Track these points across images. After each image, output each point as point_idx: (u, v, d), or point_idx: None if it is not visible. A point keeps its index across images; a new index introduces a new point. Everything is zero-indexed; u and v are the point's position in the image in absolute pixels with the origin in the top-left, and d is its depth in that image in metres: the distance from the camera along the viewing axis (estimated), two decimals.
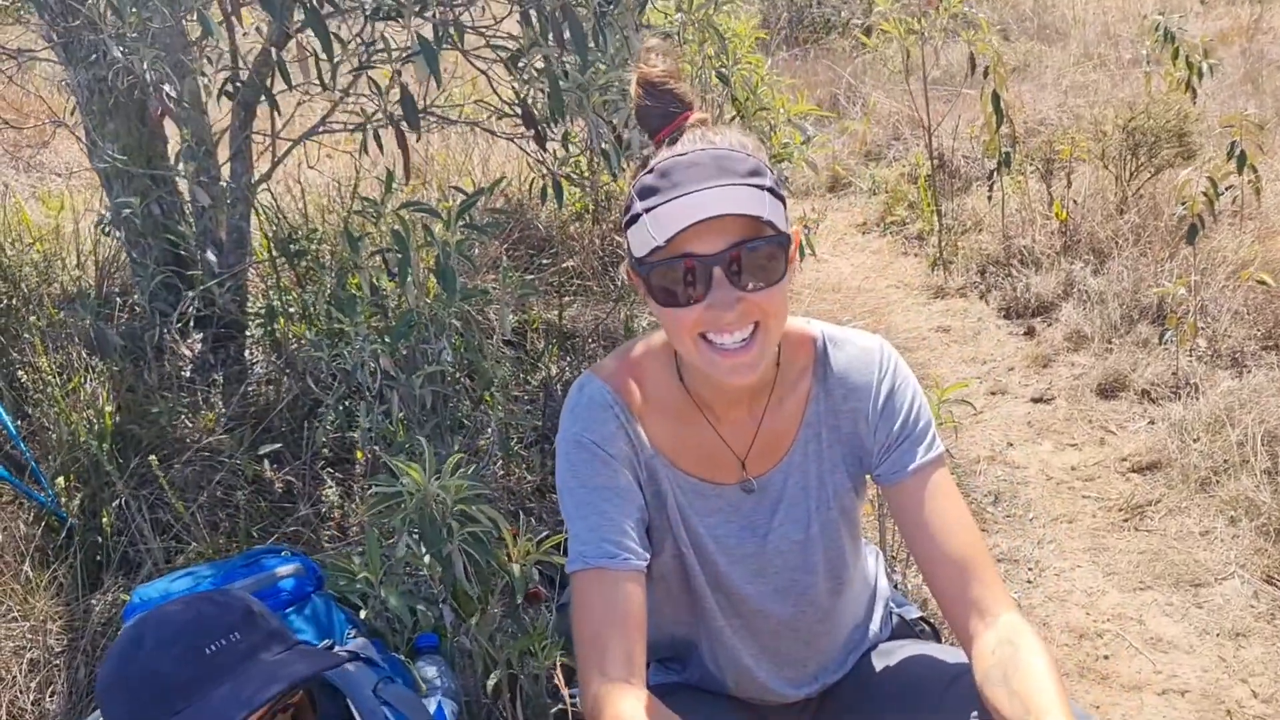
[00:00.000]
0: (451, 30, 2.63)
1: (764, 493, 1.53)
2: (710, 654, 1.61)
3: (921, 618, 1.77)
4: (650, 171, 1.36)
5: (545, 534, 1.87)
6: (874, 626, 1.70)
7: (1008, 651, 1.31)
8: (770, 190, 1.34)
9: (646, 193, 1.35)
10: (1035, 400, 3.45)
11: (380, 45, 2.54)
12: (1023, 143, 4.68)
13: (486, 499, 1.85)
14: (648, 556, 1.45)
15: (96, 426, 2.69)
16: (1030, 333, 3.86)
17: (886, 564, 1.93)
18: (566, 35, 2.41)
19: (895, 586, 1.98)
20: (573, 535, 1.44)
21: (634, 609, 1.39)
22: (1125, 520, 2.85)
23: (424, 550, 1.85)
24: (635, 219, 1.35)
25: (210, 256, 3.09)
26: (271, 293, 3.24)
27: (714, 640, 1.59)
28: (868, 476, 1.56)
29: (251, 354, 3.34)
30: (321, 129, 3.15)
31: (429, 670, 1.87)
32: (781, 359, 1.50)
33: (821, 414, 1.52)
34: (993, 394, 3.51)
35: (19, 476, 2.68)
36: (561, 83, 2.54)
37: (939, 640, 1.75)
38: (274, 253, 3.29)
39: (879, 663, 1.64)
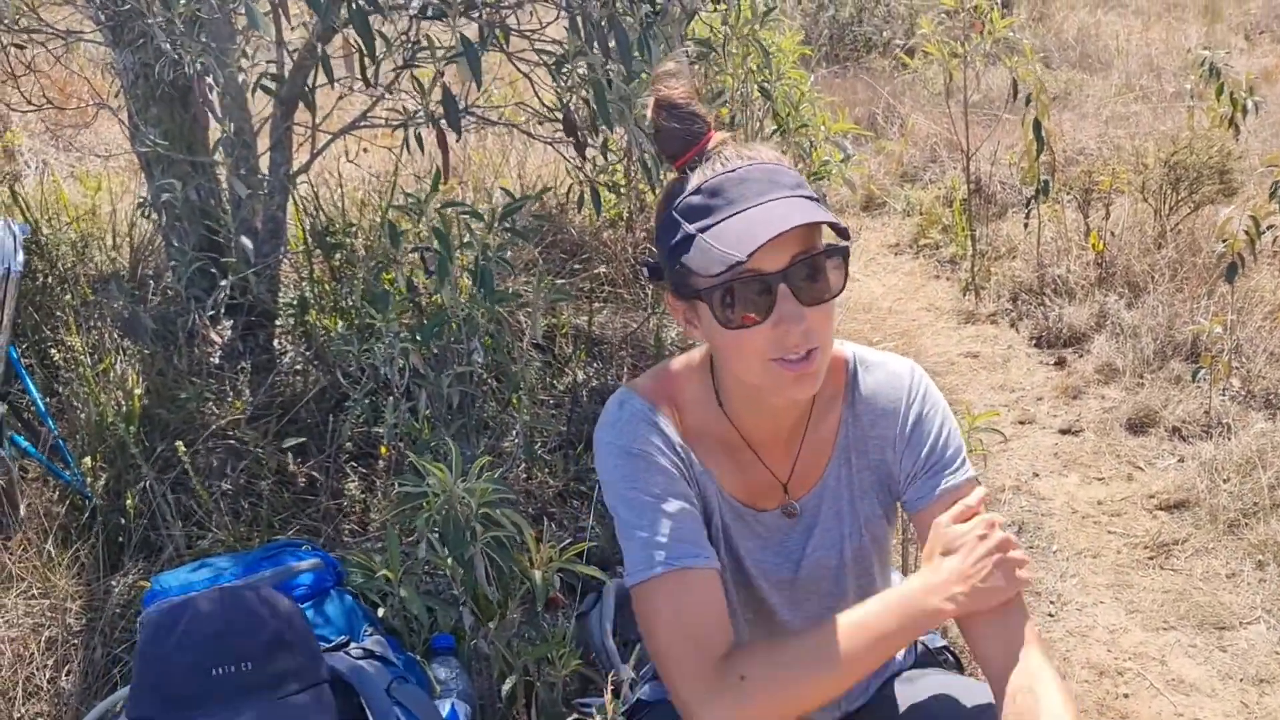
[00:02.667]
0: (497, 32, 2.64)
1: (799, 518, 1.51)
2: None
3: (944, 646, 1.75)
4: (696, 192, 1.33)
5: (569, 540, 1.86)
6: (899, 654, 1.69)
7: (1028, 702, 1.28)
8: (818, 201, 1.33)
9: (697, 214, 1.32)
10: (1063, 432, 3.42)
11: (425, 44, 2.54)
12: (1061, 171, 4.65)
13: (510, 503, 1.84)
14: (720, 559, 1.43)
15: (125, 408, 2.70)
16: (1061, 363, 3.83)
17: None
18: (612, 44, 2.41)
19: None
20: (640, 543, 1.39)
21: (718, 609, 1.37)
22: (1150, 558, 2.82)
23: (446, 552, 1.85)
24: (687, 242, 1.32)
25: (246, 244, 3.10)
26: (304, 284, 3.25)
27: None
28: (898, 504, 1.54)
29: (280, 344, 3.35)
30: (362, 124, 3.16)
31: (443, 672, 1.86)
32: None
33: (851, 439, 1.50)
34: (1020, 423, 3.48)
35: (46, 454, 2.69)
36: (605, 92, 2.54)
37: (961, 669, 1.73)
38: (309, 244, 3.30)
39: (901, 690, 1.62)
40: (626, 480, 1.43)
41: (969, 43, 4.38)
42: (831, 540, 1.52)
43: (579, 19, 2.54)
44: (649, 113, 1.39)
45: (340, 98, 3.29)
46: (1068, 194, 4.56)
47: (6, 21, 2.73)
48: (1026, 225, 4.40)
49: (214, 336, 3.30)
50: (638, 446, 1.44)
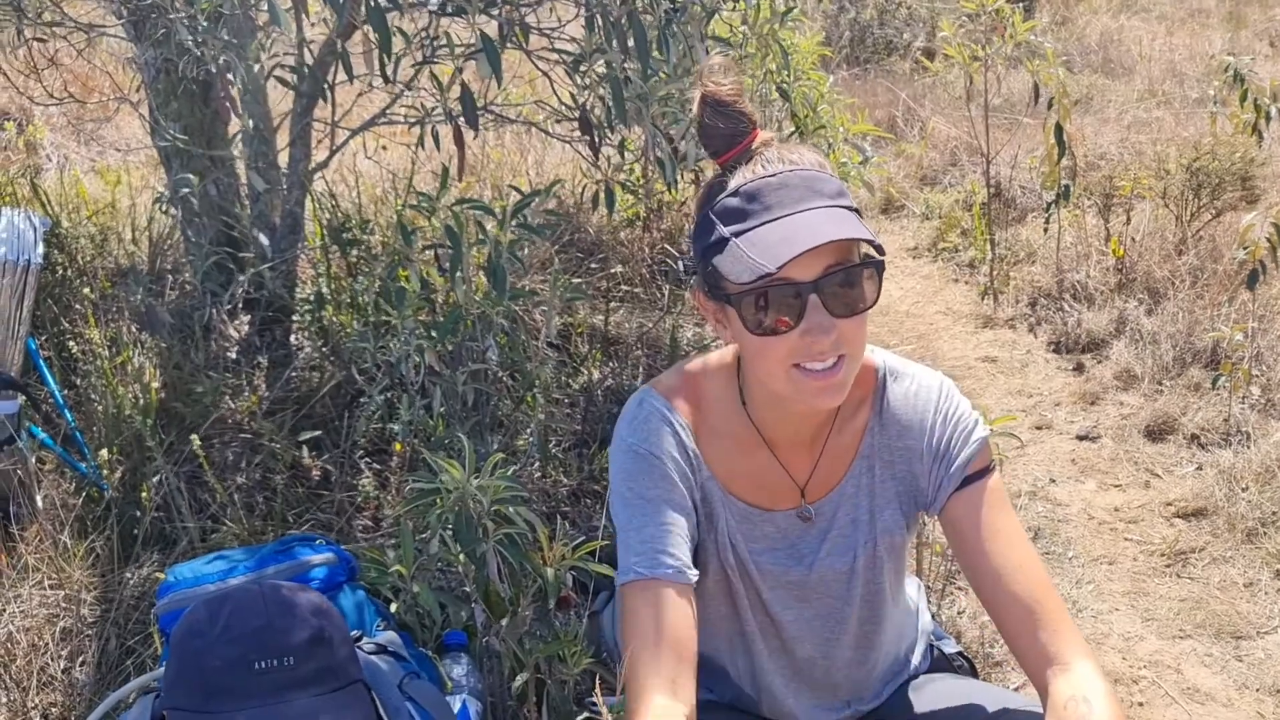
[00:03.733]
0: (516, 29, 2.63)
1: (814, 521, 1.51)
2: (747, 675, 1.59)
3: (959, 652, 1.74)
4: (734, 194, 1.33)
5: (581, 539, 1.86)
6: (914, 660, 1.68)
7: (1082, 710, 1.27)
8: (856, 212, 1.32)
9: (733, 217, 1.32)
10: (1081, 438, 3.39)
11: (444, 41, 2.54)
12: (1082, 176, 4.62)
13: (523, 500, 1.83)
14: (698, 573, 1.43)
15: (141, 401, 2.71)
16: (1079, 369, 3.80)
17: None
18: (630, 42, 2.40)
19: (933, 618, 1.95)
20: (625, 546, 1.42)
21: (686, 624, 1.37)
22: (1167, 566, 2.80)
23: (458, 548, 1.84)
24: (721, 244, 1.32)
25: (263, 240, 3.11)
26: (321, 280, 3.26)
27: (751, 661, 1.57)
28: (921, 515, 1.53)
29: (297, 340, 3.36)
30: (380, 120, 3.16)
31: (455, 668, 1.86)
32: None
33: (876, 448, 1.49)
34: (1038, 428, 3.46)
35: (63, 445, 2.70)
36: (622, 90, 2.53)
37: (976, 675, 1.72)
38: (326, 240, 3.30)
39: (915, 695, 1.62)
40: (626, 480, 1.45)
41: (990, 46, 4.36)
42: (845, 547, 1.51)
43: (597, 17, 2.53)
44: (694, 109, 1.39)
45: (359, 94, 3.30)
46: (1088, 199, 4.54)
47: (30, 15, 2.74)
48: (1046, 230, 4.37)
49: (231, 331, 3.31)
50: (645, 447, 1.45)
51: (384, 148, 4.10)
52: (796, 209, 1.28)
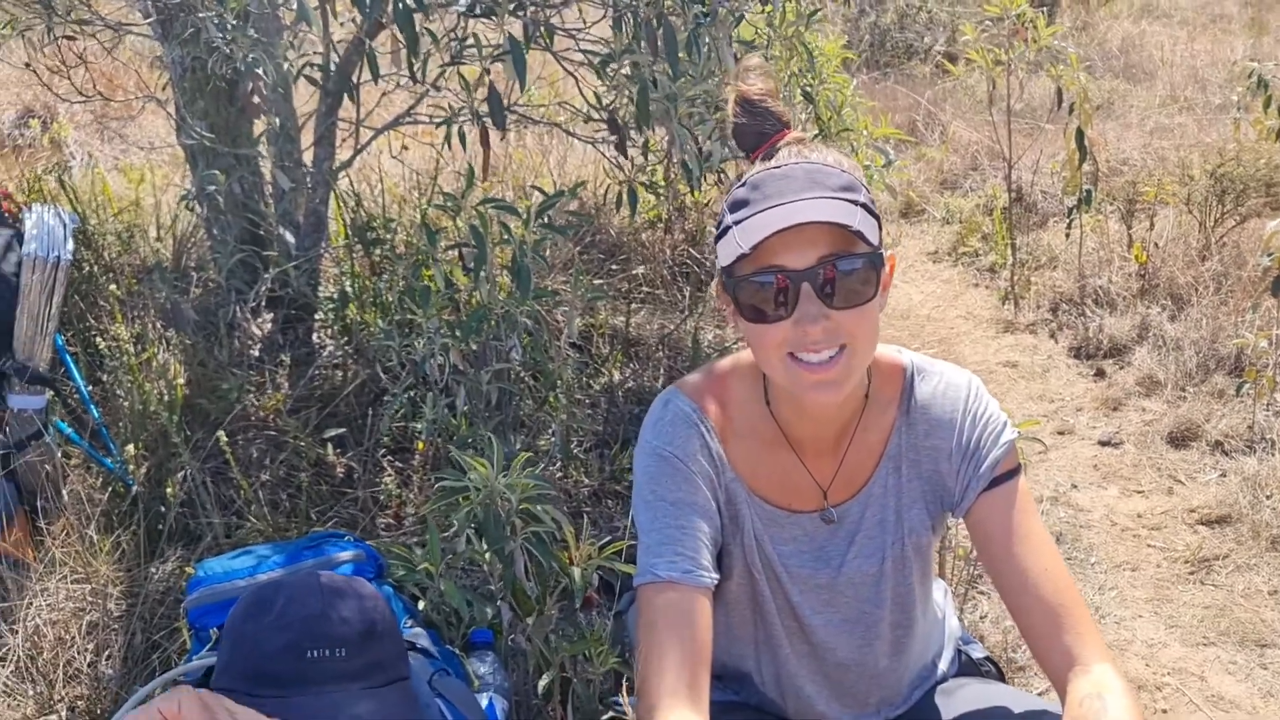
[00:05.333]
0: (542, 31, 2.64)
1: (840, 523, 1.50)
2: (772, 679, 1.58)
3: (986, 657, 1.73)
4: (743, 185, 1.36)
5: (607, 539, 1.86)
6: (942, 665, 1.67)
7: (1096, 706, 1.27)
8: (864, 207, 1.32)
9: (737, 205, 1.35)
10: (1103, 443, 3.38)
11: (471, 42, 2.55)
12: (1104, 182, 4.61)
13: (550, 499, 1.84)
14: (718, 577, 1.43)
15: (167, 398, 2.72)
16: (1101, 374, 3.79)
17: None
18: (660, 44, 2.40)
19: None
20: (645, 548, 1.42)
21: (702, 628, 1.37)
22: (1191, 573, 2.79)
23: (485, 546, 1.85)
24: (725, 232, 1.35)
25: (289, 238, 3.12)
26: (345, 278, 3.27)
27: (778, 665, 1.57)
28: (947, 515, 1.53)
29: (319, 338, 3.37)
30: (405, 120, 3.18)
31: (481, 666, 1.87)
32: (870, 388, 1.48)
33: (903, 447, 1.49)
34: (1059, 434, 3.45)
35: (89, 441, 2.72)
36: (650, 91, 2.54)
37: (1004, 680, 1.71)
38: (350, 239, 3.32)
39: (943, 700, 1.61)
40: (649, 482, 1.45)
41: (1012, 50, 4.35)
42: (873, 548, 1.51)
43: (625, 18, 2.54)
44: (729, 107, 1.42)
45: (384, 94, 3.31)
46: (1110, 204, 4.52)
47: (60, 13, 2.76)
48: (1068, 235, 4.36)
49: (254, 329, 3.33)
50: (670, 449, 1.45)
51: (405, 147, 4.12)
52: (793, 198, 1.30)
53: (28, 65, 3.04)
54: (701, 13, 2.34)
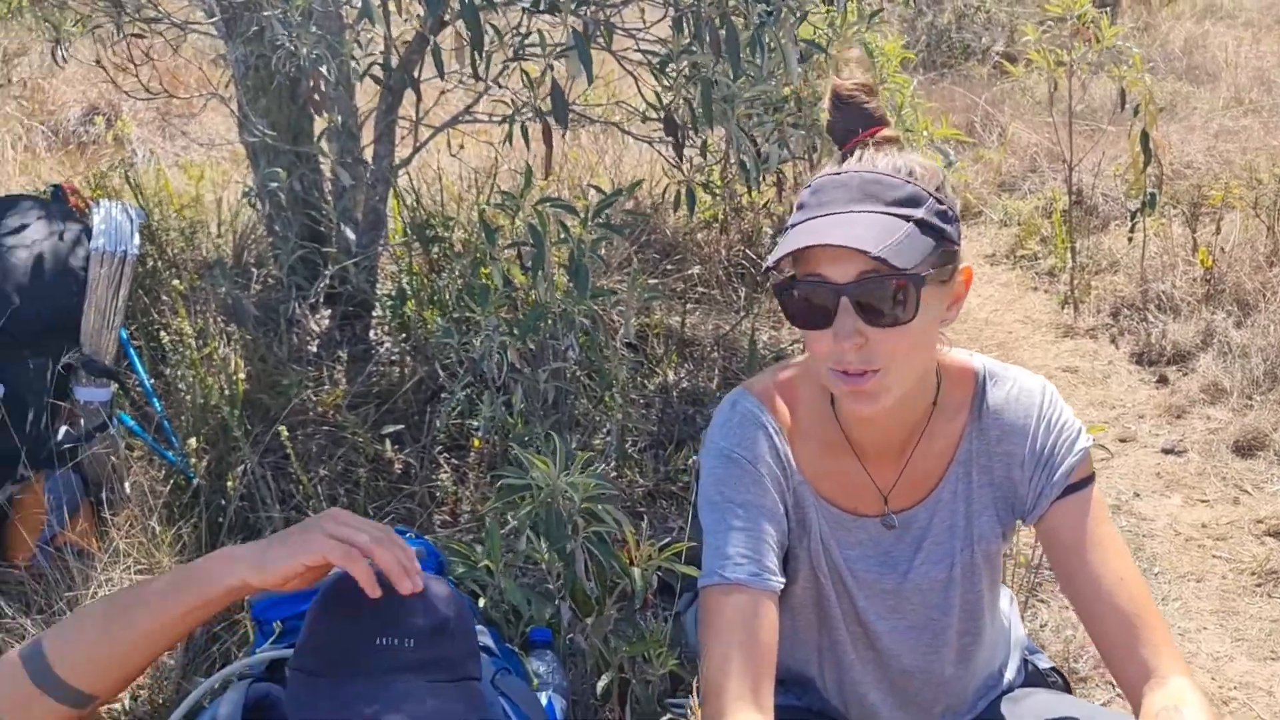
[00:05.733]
0: (601, 29, 2.64)
1: (907, 529, 1.48)
2: (835, 685, 1.57)
3: (1053, 668, 1.70)
4: (809, 188, 1.36)
5: (666, 540, 1.85)
6: (1008, 674, 1.65)
7: (1173, 718, 1.24)
8: (920, 223, 1.29)
9: (798, 209, 1.35)
10: (1166, 451, 3.32)
11: (534, 39, 2.55)
12: (1168, 185, 4.52)
13: (612, 499, 1.84)
14: (784, 581, 1.42)
15: (228, 392, 2.75)
16: (1163, 381, 3.72)
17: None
18: (721, 43, 2.39)
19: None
20: (711, 549, 1.41)
21: (767, 632, 1.36)
22: (1258, 585, 2.73)
23: (545, 545, 1.85)
24: (783, 232, 1.35)
25: (349, 235, 3.14)
26: (403, 276, 3.29)
27: (841, 672, 1.55)
28: (1018, 523, 1.50)
29: (377, 334, 3.39)
30: (465, 118, 3.19)
31: (540, 665, 1.86)
32: (940, 394, 1.46)
33: (974, 453, 1.47)
34: (1121, 441, 3.39)
35: (151, 434, 2.76)
36: (710, 91, 2.53)
37: (1070, 691, 1.68)
38: (409, 236, 3.34)
39: (1009, 710, 1.59)
40: (717, 484, 1.44)
41: (1074, 51, 4.28)
42: (941, 554, 1.49)
43: (686, 17, 2.53)
44: (825, 99, 1.42)
45: (443, 92, 3.33)
46: (1174, 208, 4.44)
47: (129, 11, 2.80)
48: (1131, 239, 4.29)
49: (312, 325, 3.36)
50: (738, 451, 1.44)
51: (463, 145, 4.14)
52: (840, 209, 1.29)
53: (97, 62, 3.09)
54: (765, 12, 2.32)
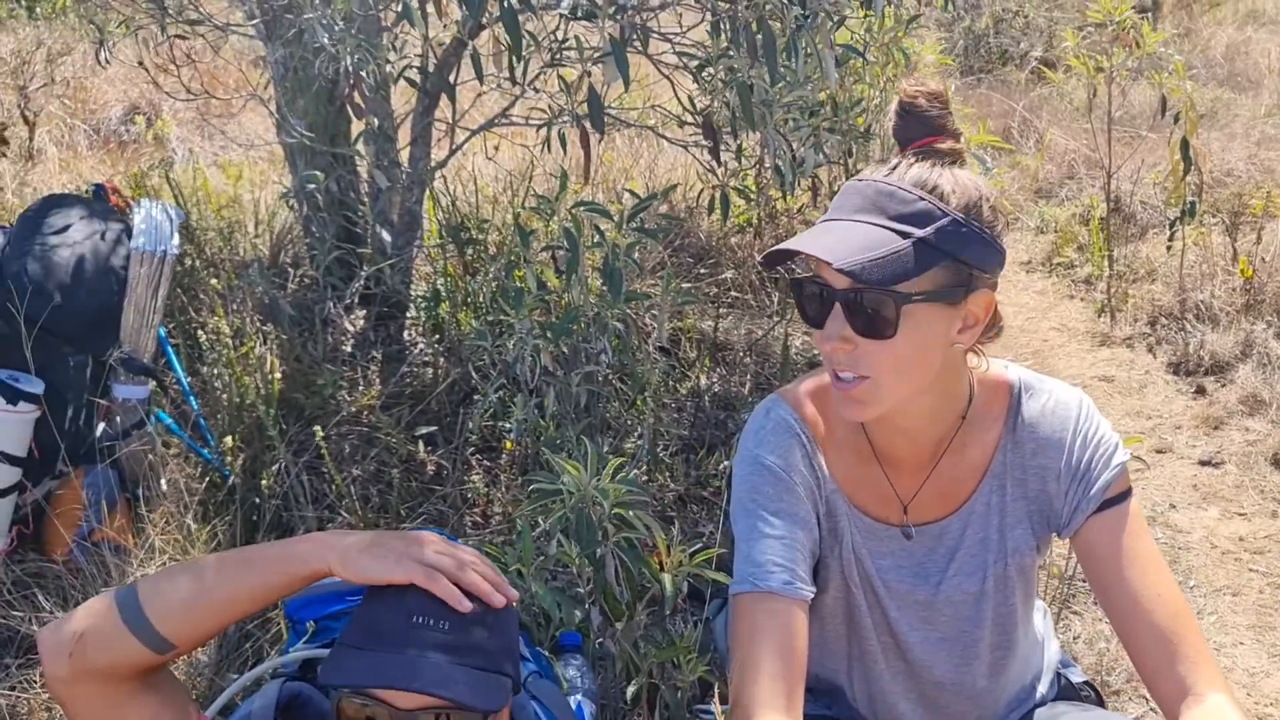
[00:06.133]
0: (637, 34, 2.64)
1: (940, 540, 1.47)
2: (865, 695, 1.56)
3: (1086, 681, 1.69)
4: (839, 191, 1.37)
5: (699, 545, 1.85)
6: (1041, 688, 1.63)
7: None
8: (921, 242, 1.27)
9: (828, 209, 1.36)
10: (1203, 463, 3.28)
11: (571, 44, 2.56)
12: (1208, 193, 4.47)
13: (643, 504, 1.83)
14: (815, 590, 1.41)
15: (264, 391, 2.77)
16: (1201, 392, 3.68)
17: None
18: (759, 47, 2.39)
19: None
20: (743, 557, 1.41)
21: (798, 640, 1.36)
22: None
23: (576, 549, 1.85)
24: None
25: (385, 236, 3.16)
26: (438, 278, 3.31)
27: (871, 682, 1.54)
28: (1053, 536, 1.49)
29: (410, 336, 3.41)
30: (500, 121, 3.20)
31: (569, 669, 1.86)
32: (970, 407, 1.44)
33: (1008, 465, 1.45)
34: (1157, 452, 3.36)
35: (187, 431, 2.79)
36: (749, 95, 2.52)
37: (1103, 706, 1.67)
38: (444, 239, 3.35)
39: None
40: (750, 490, 1.44)
41: (1114, 57, 4.25)
42: (974, 566, 1.48)
43: (723, 22, 2.53)
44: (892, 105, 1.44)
45: (478, 95, 3.34)
46: (1214, 217, 4.39)
47: (172, 13, 2.83)
48: (1169, 247, 4.25)
49: (347, 325, 3.38)
50: (772, 459, 1.44)
51: (496, 148, 4.16)
52: (845, 216, 1.30)
53: (140, 63, 3.12)
54: (801, 16, 2.31)
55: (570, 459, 1.82)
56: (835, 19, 2.49)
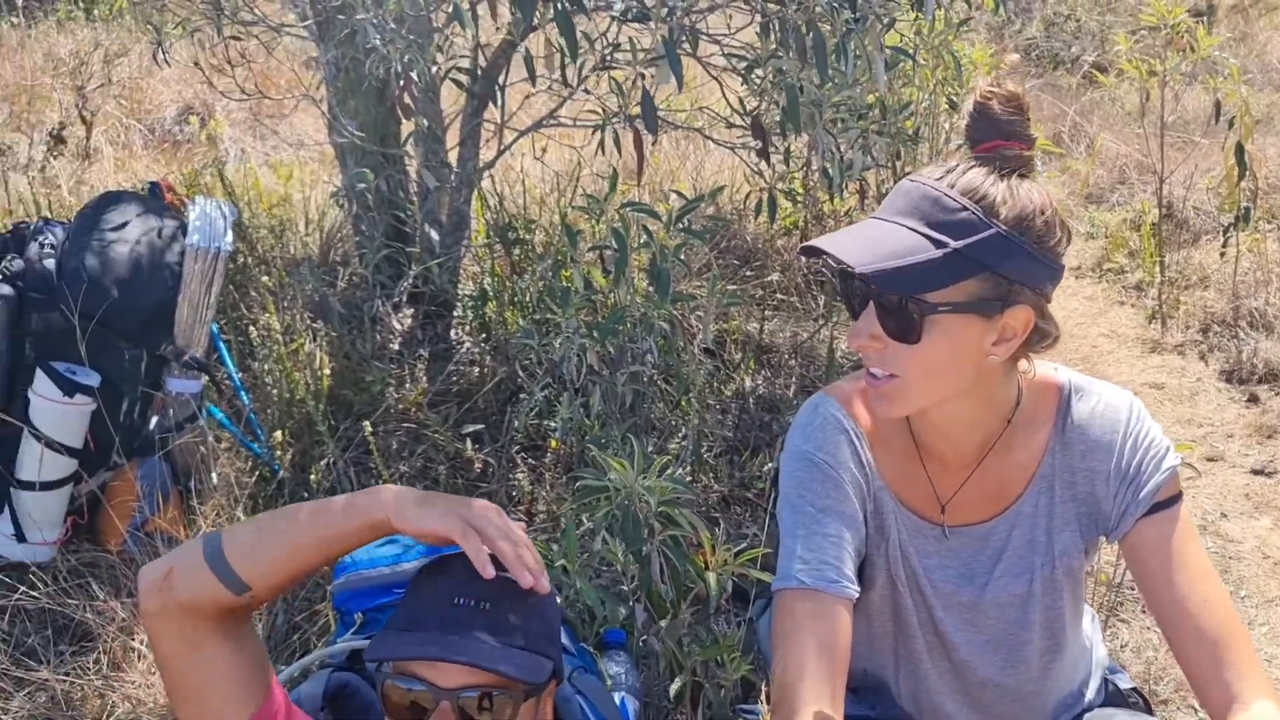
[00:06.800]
0: (686, 35, 2.65)
1: (986, 541, 1.47)
2: (910, 694, 1.56)
3: (1134, 688, 1.67)
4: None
5: (744, 545, 1.86)
6: (1089, 694, 1.62)
7: None
8: (955, 253, 1.25)
9: None
10: (1256, 472, 3.23)
11: (623, 46, 2.57)
12: (1263, 199, 4.41)
13: (689, 503, 1.84)
14: (859, 589, 1.41)
15: (314, 387, 2.81)
16: (1254, 400, 3.62)
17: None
18: (808, 49, 2.39)
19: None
20: (788, 553, 1.41)
21: (842, 640, 1.36)
22: None
23: (622, 547, 1.86)
24: None
25: (434, 235, 3.19)
26: (484, 277, 3.33)
27: (917, 681, 1.54)
28: (1101, 539, 1.48)
29: (457, 334, 3.44)
30: (548, 122, 3.22)
31: (614, 666, 1.88)
32: (1017, 410, 1.44)
33: (1057, 467, 1.45)
34: (1209, 460, 3.31)
35: (240, 426, 2.83)
36: (797, 96, 2.52)
37: (1151, 713, 1.65)
38: (491, 238, 3.38)
39: None
40: (797, 486, 1.44)
41: (1168, 61, 4.19)
42: (1021, 568, 1.47)
43: (773, 23, 2.53)
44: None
45: (526, 96, 3.36)
46: (1269, 223, 4.32)
47: (228, 14, 2.88)
48: (1223, 254, 4.18)
49: (394, 323, 3.41)
50: (820, 455, 1.44)
51: (545, 150, 4.18)
52: (884, 217, 1.30)
53: (196, 64, 3.17)
54: (851, 19, 2.31)
55: (616, 457, 1.83)
56: (885, 21, 2.49)
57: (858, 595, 1.40)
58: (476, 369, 3.17)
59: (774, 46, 2.59)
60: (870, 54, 2.42)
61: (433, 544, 1.37)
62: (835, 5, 2.23)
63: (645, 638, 1.95)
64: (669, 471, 1.83)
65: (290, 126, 5.84)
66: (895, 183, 1.41)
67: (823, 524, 1.41)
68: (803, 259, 1.34)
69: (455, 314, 3.45)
